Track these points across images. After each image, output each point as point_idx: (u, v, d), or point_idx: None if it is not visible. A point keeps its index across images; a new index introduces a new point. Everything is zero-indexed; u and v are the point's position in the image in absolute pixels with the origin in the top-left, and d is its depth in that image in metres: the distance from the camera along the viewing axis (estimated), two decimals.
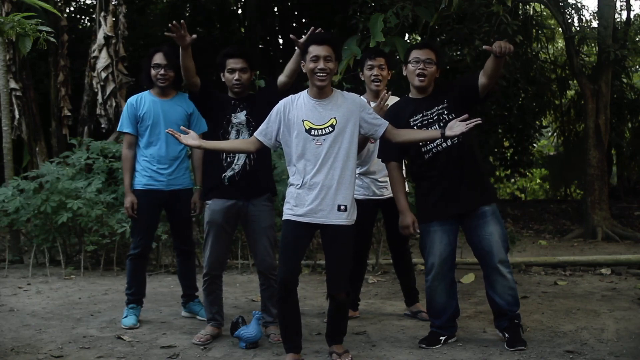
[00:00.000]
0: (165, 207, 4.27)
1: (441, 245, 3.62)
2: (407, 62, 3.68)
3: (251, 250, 3.97)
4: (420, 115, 3.62)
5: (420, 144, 3.58)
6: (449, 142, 3.55)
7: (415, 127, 3.60)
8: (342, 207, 3.25)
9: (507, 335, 3.59)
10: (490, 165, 13.20)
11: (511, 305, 3.61)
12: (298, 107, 3.31)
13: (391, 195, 4.14)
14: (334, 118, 3.28)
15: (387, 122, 3.40)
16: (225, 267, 3.82)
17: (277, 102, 3.49)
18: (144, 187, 4.15)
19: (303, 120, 3.27)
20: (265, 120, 3.37)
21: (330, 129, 3.26)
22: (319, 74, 3.24)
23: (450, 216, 3.62)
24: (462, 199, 3.58)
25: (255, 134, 3.40)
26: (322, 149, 3.24)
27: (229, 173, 3.66)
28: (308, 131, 3.26)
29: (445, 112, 3.58)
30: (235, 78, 3.69)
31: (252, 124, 3.66)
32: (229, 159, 3.67)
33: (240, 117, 3.70)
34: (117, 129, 4.35)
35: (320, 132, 3.26)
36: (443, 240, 3.62)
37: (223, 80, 3.78)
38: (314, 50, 3.25)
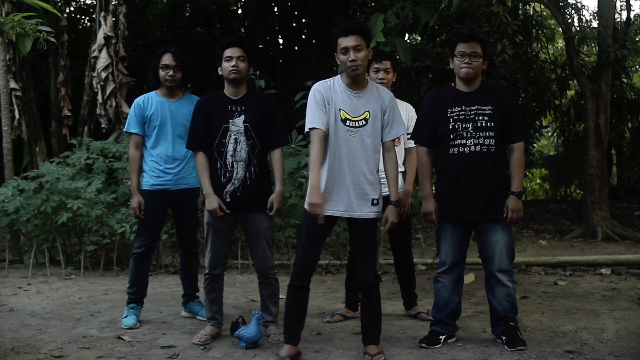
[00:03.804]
0: (172, 206, 4.27)
1: (452, 243, 3.65)
2: (452, 56, 3.62)
3: (250, 251, 3.96)
4: (459, 108, 3.57)
5: (451, 136, 3.56)
6: (478, 148, 3.52)
7: (451, 119, 3.56)
8: (375, 201, 3.31)
9: (504, 337, 3.59)
10: None
11: (508, 312, 3.62)
12: (335, 93, 3.29)
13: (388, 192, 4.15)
14: (368, 111, 3.29)
15: (401, 135, 3.43)
16: (226, 266, 3.80)
17: (273, 112, 3.58)
18: (152, 188, 4.15)
19: (340, 110, 3.27)
20: (312, 110, 3.25)
21: (364, 122, 3.28)
22: (350, 66, 3.23)
23: (460, 221, 3.62)
24: (478, 208, 3.55)
25: (315, 125, 3.21)
26: (355, 140, 3.25)
27: (229, 188, 3.63)
28: (343, 121, 3.26)
29: (486, 118, 3.53)
30: (232, 64, 3.61)
31: (251, 133, 3.62)
32: (227, 174, 3.63)
33: (239, 124, 3.63)
34: (124, 130, 4.35)
35: (354, 124, 3.27)
36: (454, 238, 3.65)
37: (220, 73, 3.70)
38: (342, 42, 3.22)
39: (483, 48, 3.60)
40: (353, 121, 3.27)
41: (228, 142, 3.63)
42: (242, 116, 3.64)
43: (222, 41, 3.73)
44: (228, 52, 3.64)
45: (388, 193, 4.13)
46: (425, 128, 3.67)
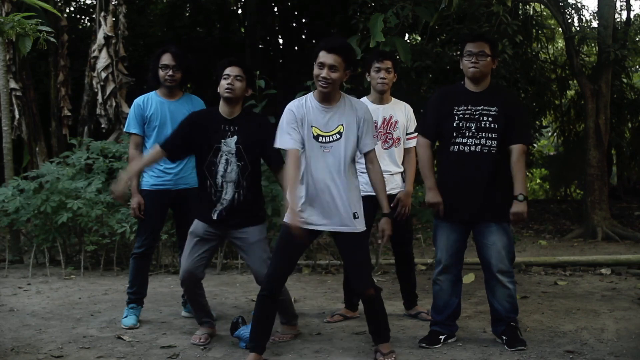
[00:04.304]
0: (172, 207, 4.27)
1: (449, 242, 3.64)
2: (462, 56, 3.62)
3: (248, 265, 3.82)
4: (465, 107, 3.57)
5: (454, 134, 3.55)
6: (478, 148, 3.53)
7: (456, 117, 3.56)
8: (357, 215, 3.29)
9: (505, 337, 3.59)
10: None
11: (509, 312, 3.61)
12: (307, 110, 3.27)
13: (390, 192, 4.14)
14: (342, 125, 3.27)
15: (374, 148, 3.36)
16: (204, 273, 3.68)
17: (267, 134, 3.51)
18: (152, 188, 4.15)
19: (312, 127, 3.25)
20: (282, 130, 3.24)
21: (338, 136, 3.26)
22: (321, 82, 3.22)
23: (458, 220, 3.61)
24: (475, 208, 3.55)
25: (292, 146, 3.21)
26: (330, 156, 3.24)
27: (218, 207, 3.58)
28: (316, 138, 3.25)
29: (490, 119, 3.52)
30: (227, 83, 3.57)
31: (242, 155, 3.56)
32: (217, 194, 3.57)
33: (231, 144, 3.57)
34: (124, 130, 4.34)
35: (327, 139, 3.25)
36: (451, 237, 3.63)
37: (219, 91, 3.66)
38: (322, 56, 3.20)
39: (492, 47, 3.59)
40: (326, 136, 3.25)
41: (219, 162, 3.56)
42: (235, 137, 3.58)
43: (224, 59, 3.69)
44: (227, 71, 3.60)
45: (393, 192, 4.14)
46: (431, 122, 3.68)
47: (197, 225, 3.64)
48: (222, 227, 3.60)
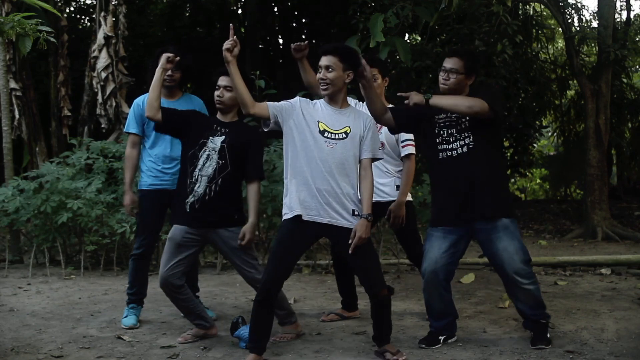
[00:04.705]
0: (171, 206, 4.26)
1: (439, 252, 3.60)
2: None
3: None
4: (445, 115, 3.60)
5: (437, 140, 3.58)
6: (465, 149, 3.53)
7: (437, 125, 3.60)
8: (356, 212, 3.28)
9: (531, 333, 3.61)
10: None
11: (534, 309, 3.60)
12: (315, 109, 3.35)
13: (383, 199, 4.11)
14: (349, 127, 3.33)
15: (372, 156, 3.37)
16: (181, 279, 3.64)
17: (254, 144, 3.62)
18: (150, 187, 4.15)
19: (318, 121, 3.30)
20: (280, 103, 3.34)
21: (344, 135, 3.31)
22: (320, 84, 3.32)
23: (455, 224, 3.60)
24: (470, 208, 3.54)
25: (268, 103, 3.31)
26: (334, 152, 3.26)
27: (190, 199, 3.59)
28: (322, 132, 3.29)
29: (467, 118, 3.53)
30: (217, 94, 3.65)
31: (225, 154, 3.59)
32: (191, 185, 3.59)
33: (217, 142, 3.62)
34: (124, 130, 4.34)
35: (334, 136, 3.29)
36: (442, 247, 3.60)
37: None
38: (320, 60, 3.30)
39: (467, 63, 3.59)
40: (333, 133, 3.29)
41: (200, 156, 3.61)
42: (223, 137, 3.64)
43: (219, 69, 3.70)
44: (218, 81, 3.66)
45: (376, 200, 4.10)
46: (405, 114, 3.65)
47: (174, 231, 3.64)
48: (197, 224, 3.60)
